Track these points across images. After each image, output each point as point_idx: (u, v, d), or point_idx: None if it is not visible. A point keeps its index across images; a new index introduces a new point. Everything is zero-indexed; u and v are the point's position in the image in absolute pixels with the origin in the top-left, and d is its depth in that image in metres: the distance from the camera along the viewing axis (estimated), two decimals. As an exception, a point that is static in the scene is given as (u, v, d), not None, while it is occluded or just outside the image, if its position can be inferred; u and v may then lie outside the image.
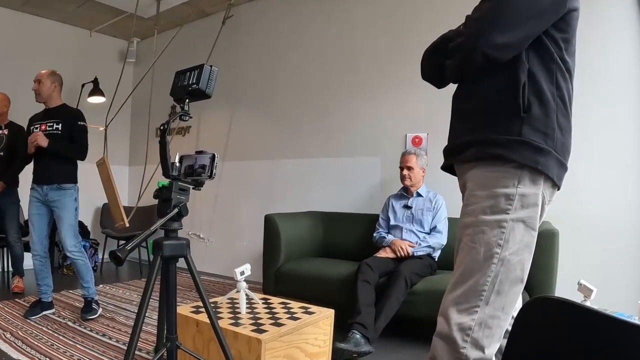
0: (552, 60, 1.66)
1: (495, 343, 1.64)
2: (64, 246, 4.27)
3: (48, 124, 4.23)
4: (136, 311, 4.43)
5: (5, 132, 5.22)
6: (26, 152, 4.29)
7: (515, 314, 1.77)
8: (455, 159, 1.86)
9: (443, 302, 1.72)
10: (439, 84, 2.00)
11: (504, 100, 1.67)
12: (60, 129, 4.23)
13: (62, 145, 4.21)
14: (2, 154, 5.16)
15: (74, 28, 7.44)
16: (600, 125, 3.93)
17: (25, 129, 4.43)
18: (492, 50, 1.61)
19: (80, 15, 7.06)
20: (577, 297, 1.46)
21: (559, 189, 1.74)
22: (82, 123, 4.32)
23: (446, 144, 1.92)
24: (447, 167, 1.96)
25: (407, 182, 4.25)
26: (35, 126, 4.26)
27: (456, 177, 1.94)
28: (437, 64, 1.89)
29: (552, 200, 1.74)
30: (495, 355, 1.68)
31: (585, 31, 3.89)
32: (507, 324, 1.68)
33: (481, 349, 1.61)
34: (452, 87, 1.94)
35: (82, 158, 4.34)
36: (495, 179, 1.66)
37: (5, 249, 6.16)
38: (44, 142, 4.08)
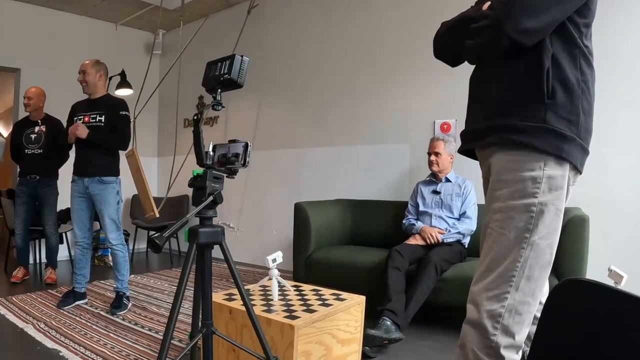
0: (575, 46, 1.65)
1: (525, 329, 1.64)
2: (107, 239, 4.33)
3: (91, 116, 4.24)
4: (167, 300, 4.54)
5: (43, 128, 5.30)
6: (66, 142, 4.34)
7: (543, 299, 1.77)
8: (475, 144, 1.85)
9: (472, 289, 1.72)
10: (453, 62, 1.99)
11: (528, 85, 1.66)
12: (103, 121, 4.24)
13: (102, 136, 4.22)
14: (40, 151, 5.26)
15: (99, 22, 7.53)
16: (629, 110, 3.87)
17: (68, 116, 4.45)
18: (518, 34, 1.59)
19: (105, 9, 7.14)
20: (607, 283, 1.45)
21: (581, 173, 1.73)
22: (124, 112, 4.33)
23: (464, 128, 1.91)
24: (466, 151, 1.96)
25: (435, 168, 4.25)
26: (79, 117, 4.27)
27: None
28: (454, 42, 1.88)
29: (575, 182, 1.74)
30: (525, 341, 1.69)
31: (611, 15, 3.87)
32: (536, 310, 1.67)
33: (512, 335, 1.61)
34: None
35: (124, 148, 4.34)
36: (521, 162, 1.65)
37: (38, 240, 6.25)
38: (83, 133, 4.11)
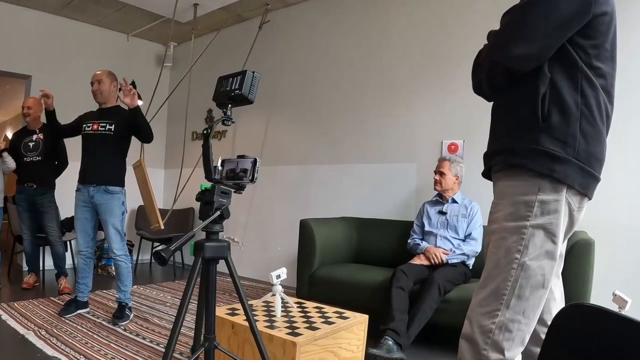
0: (577, 68, 1.66)
1: (516, 347, 1.68)
2: (110, 249, 4.32)
3: (100, 124, 4.24)
4: (169, 312, 4.53)
5: (41, 136, 5.35)
6: (60, 127, 4.52)
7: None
8: (488, 165, 1.90)
9: (470, 305, 1.78)
10: (486, 98, 1.98)
11: (525, 110, 1.70)
12: (113, 130, 4.23)
13: (144, 120, 4.24)
14: (39, 158, 5.30)
15: (111, 32, 7.57)
16: (636, 132, 3.85)
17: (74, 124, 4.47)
18: (511, 62, 1.66)
19: (118, 20, 7.18)
20: (611, 308, 1.45)
21: (590, 198, 1.74)
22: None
23: (484, 150, 1.95)
24: (488, 174, 1.98)
25: (438, 187, 4.25)
26: (88, 124, 4.27)
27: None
28: (479, 79, 1.91)
29: (582, 207, 1.74)
30: None
31: (621, 35, 3.86)
32: (530, 329, 1.70)
33: (501, 351, 1.65)
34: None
35: (151, 139, 4.36)
36: (517, 187, 1.70)
37: (43, 247, 6.26)
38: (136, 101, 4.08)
